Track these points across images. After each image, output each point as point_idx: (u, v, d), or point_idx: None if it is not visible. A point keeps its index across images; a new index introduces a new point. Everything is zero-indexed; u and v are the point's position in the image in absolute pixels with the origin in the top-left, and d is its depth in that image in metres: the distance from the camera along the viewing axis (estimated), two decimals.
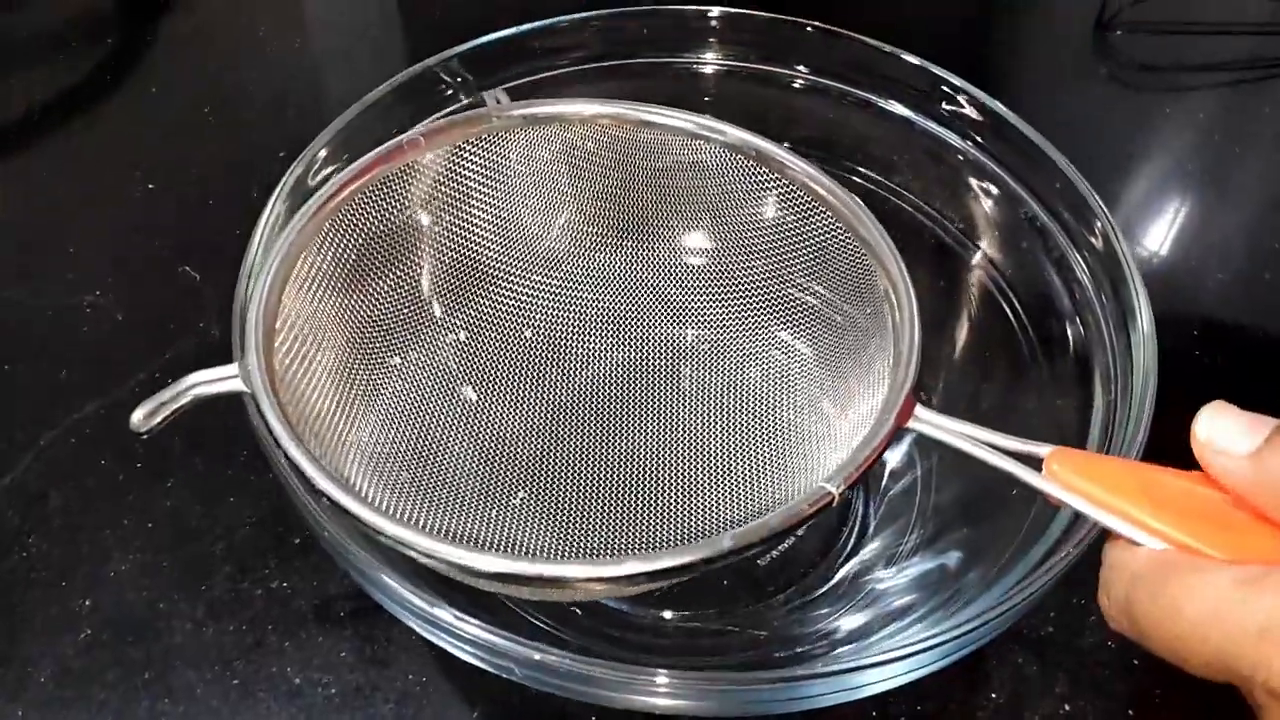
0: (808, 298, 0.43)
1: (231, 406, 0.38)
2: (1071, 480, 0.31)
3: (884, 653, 0.34)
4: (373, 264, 0.42)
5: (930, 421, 0.35)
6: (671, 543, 0.38)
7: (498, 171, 0.43)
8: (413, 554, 0.33)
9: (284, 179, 0.42)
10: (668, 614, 0.46)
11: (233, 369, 0.35)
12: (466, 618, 0.33)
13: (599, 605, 0.45)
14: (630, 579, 0.32)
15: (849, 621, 0.43)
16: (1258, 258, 0.62)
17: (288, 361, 0.37)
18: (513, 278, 0.45)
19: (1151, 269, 0.61)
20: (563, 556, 0.37)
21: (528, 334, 0.45)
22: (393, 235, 0.42)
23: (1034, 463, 0.32)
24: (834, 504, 0.33)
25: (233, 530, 0.48)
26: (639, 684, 0.33)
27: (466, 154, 0.43)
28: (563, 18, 0.47)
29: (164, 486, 0.50)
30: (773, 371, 0.44)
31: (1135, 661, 0.45)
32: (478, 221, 0.44)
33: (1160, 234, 0.63)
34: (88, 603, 0.46)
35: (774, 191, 0.42)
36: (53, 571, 0.47)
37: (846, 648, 0.41)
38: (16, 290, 0.58)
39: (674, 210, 0.45)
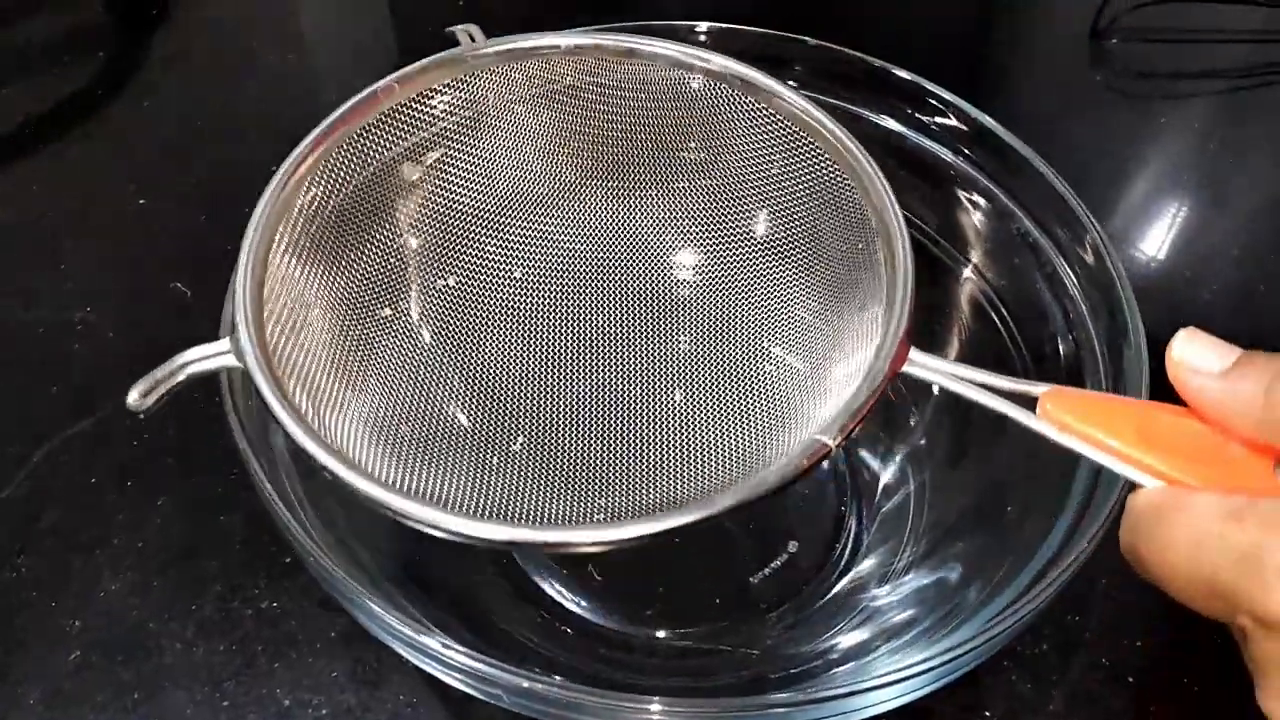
0: (799, 237, 0.42)
1: (223, 424, 0.38)
2: (1065, 420, 0.31)
3: (878, 677, 0.34)
4: (355, 220, 0.41)
5: (925, 365, 0.34)
6: (667, 497, 0.37)
7: (476, 114, 0.42)
8: (414, 525, 0.32)
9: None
10: (660, 633, 0.45)
11: (225, 344, 0.35)
12: (453, 644, 0.33)
13: (590, 624, 0.45)
14: (628, 540, 0.31)
15: (843, 640, 0.43)
16: (1253, 270, 0.62)
17: (278, 331, 0.37)
18: (497, 223, 0.44)
19: (1146, 280, 0.61)
20: (560, 511, 0.36)
21: (516, 274, 0.44)
22: (374, 189, 0.41)
23: (1029, 403, 0.32)
24: (831, 454, 0.33)
25: (223, 549, 0.48)
26: (631, 712, 0.32)
27: (443, 97, 0.41)
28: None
29: (155, 505, 0.50)
30: (766, 319, 0.43)
31: (1130, 679, 0.45)
32: (459, 167, 0.43)
33: (1155, 244, 0.63)
34: (78, 623, 0.46)
35: (762, 123, 0.41)
36: (44, 591, 0.47)
37: (841, 669, 0.41)
38: (8, 306, 0.58)
39: (661, 147, 0.43)
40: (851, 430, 0.33)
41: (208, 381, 0.39)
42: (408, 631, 0.33)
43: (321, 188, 0.40)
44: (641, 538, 0.31)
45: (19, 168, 0.65)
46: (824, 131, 0.39)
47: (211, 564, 0.48)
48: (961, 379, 0.33)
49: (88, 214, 0.62)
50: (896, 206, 0.37)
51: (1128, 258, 0.61)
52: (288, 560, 0.48)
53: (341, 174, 0.40)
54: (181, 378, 0.35)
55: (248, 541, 0.48)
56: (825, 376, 0.39)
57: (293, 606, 0.47)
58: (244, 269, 0.36)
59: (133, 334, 0.57)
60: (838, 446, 0.33)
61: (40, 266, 0.59)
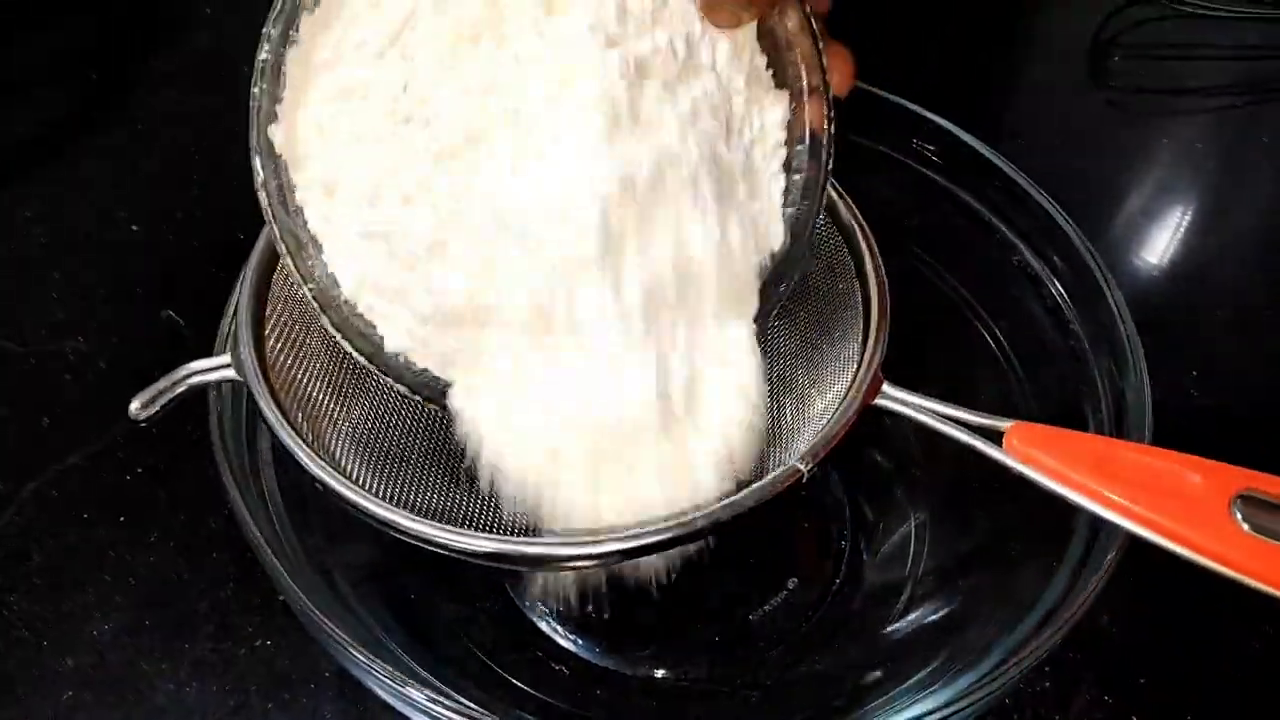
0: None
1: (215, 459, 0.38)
2: (1031, 453, 0.33)
3: None
4: None
5: (896, 398, 0.36)
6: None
7: None
8: (402, 536, 0.33)
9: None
10: (659, 672, 0.45)
11: (225, 359, 0.36)
12: (438, 697, 0.32)
13: (587, 663, 0.44)
14: (608, 556, 0.34)
15: (844, 682, 0.43)
16: (1257, 289, 0.62)
17: (279, 347, 0.38)
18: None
19: (1147, 300, 0.60)
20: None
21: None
22: None
23: (996, 437, 0.34)
24: (804, 480, 0.34)
25: (216, 587, 0.48)
26: None
27: None
28: None
29: (147, 541, 0.49)
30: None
31: (1134, 717, 0.44)
32: None
33: (1157, 262, 0.62)
34: (69, 662, 0.46)
35: None
36: (34, 631, 0.46)
37: (843, 715, 0.40)
38: None
39: None
40: (823, 457, 0.35)
41: (200, 417, 0.39)
42: (394, 684, 0.33)
43: None
44: (617, 554, 0.33)
45: (7, 195, 0.64)
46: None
47: (204, 603, 0.47)
48: (931, 412, 0.35)
49: (78, 242, 0.62)
50: (876, 251, 0.39)
51: (1130, 277, 0.61)
52: (280, 598, 0.47)
53: None
54: (183, 389, 0.36)
55: (240, 579, 0.48)
56: (807, 407, 0.40)
57: (286, 645, 0.46)
58: (247, 285, 0.38)
59: (124, 364, 0.56)
60: (809, 472, 0.34)
61: (30, 296, 0.59)
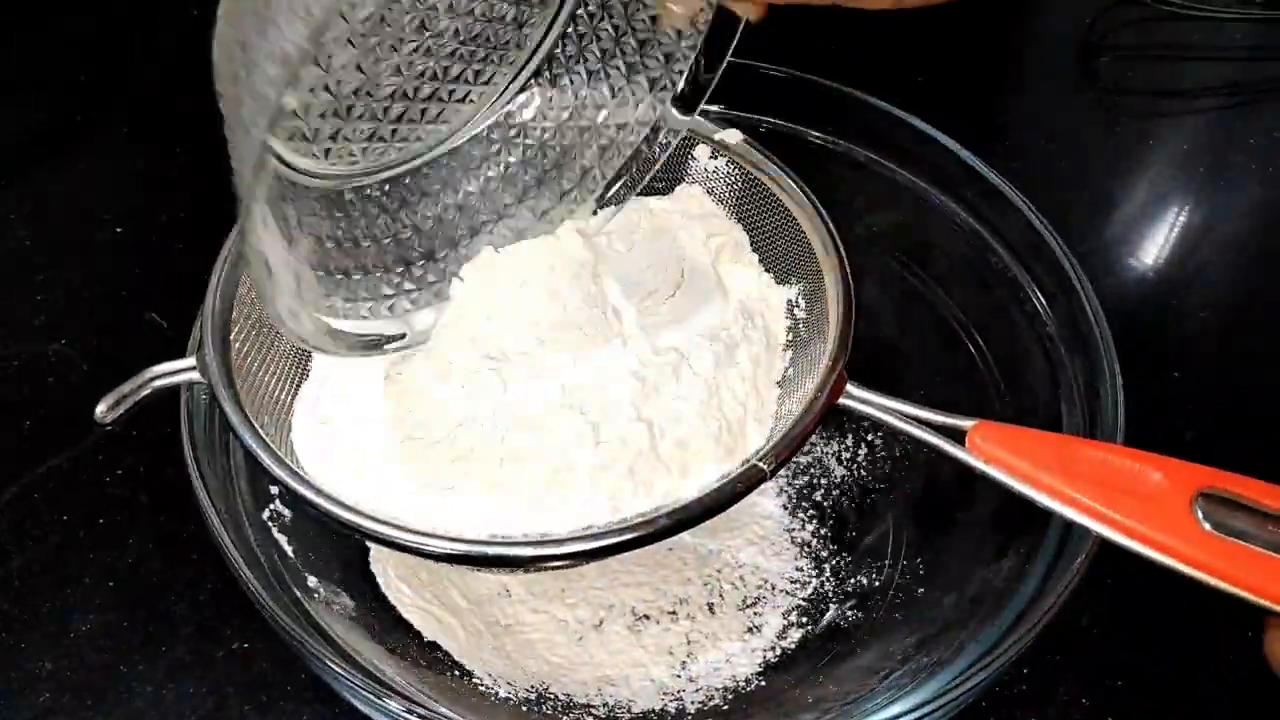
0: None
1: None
2: (993, 452, 0.33)
3: None
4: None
5: (860, 398, 0.36)
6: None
7: None
8: (367, 539, 0.34)
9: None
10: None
11: (190, 361, 0.37)
12: (416, 708, 0.32)
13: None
14: (572, 556, 0.34)
15: (820, 686, 0.42)
16: (1242, 293, 0.62)
17: (244, 349, 0.38)
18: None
19: (1131, 302, 0.60)
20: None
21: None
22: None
23: (960, 436, 0.34)
24: (766, 479, 0.35)
25: (195, 590, 0.48)
26: None
27: None
28: None
29: (126, 543, 0.49)
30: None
31: (1110, 719, 0.44)
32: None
33: (1143, 266, 0.62)
34: (48, 665, 0.46)
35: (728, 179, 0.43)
36: (12, 632, 0.46)
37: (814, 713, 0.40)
38: None
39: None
40: (787, 458, 0.35)
41: (178, 417, 0.39)
42: (370, 695, 0.33)
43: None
44: (583, 554, 0.34)
45: None
46: (771, 185, 0.42)
47: (182, 605, 0.47)
48: (895, 412, 0.35)
49: (62, 245, 0.62)
50: (843, 252, 0.40)
51: (1115, 278, 0.61)
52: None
53: None
54: (147, 391, 0.36)
55: (219, 581, 0.48)
56: (774, 409, 0.40)
57: (265, 647, 0.46)
58: (212, 291, 0.38)
59: (107, 366, 0.56)
60: (772, 473, 0.35)
61: (12, 299, 0.59)
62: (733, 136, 0.43)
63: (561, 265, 0.39)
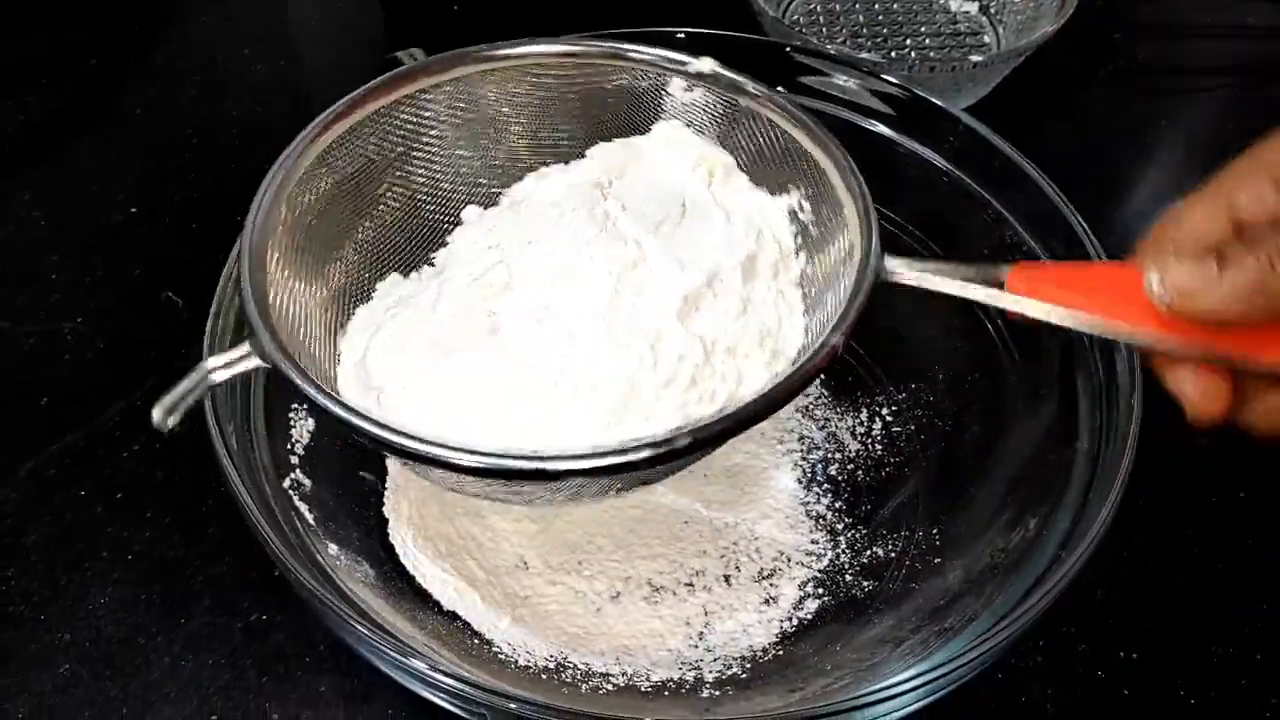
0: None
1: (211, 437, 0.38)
2: (1033, 286, 0.35)
3: (867, 694, 0.34)
4: (341, 221, 0.42)
5: (898, 272, 0.37)
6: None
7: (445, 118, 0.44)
8: (469, 475, 0.34)
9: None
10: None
11: (244, 349, 0.35)
12: (440, 665, 0.32)
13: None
14: (680, 452, 0.34)
15: (835, 653, 0.43)
16: None
17: (288, 326, 0.37)
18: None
19: None
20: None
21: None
22: (354, 191, 0.42)
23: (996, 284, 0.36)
24: (839, 354, 0.36)
25: (212, 563, 0.48)
26: None
27: (402, 111, 0.43)
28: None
29: (143, 518, 0.49)
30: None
31: (1126, 692, 0.44)
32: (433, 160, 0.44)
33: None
34: (66, 637, 0.46)
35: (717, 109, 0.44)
36: (31, 606, 0.47)
37: (827, 681, 0.41)
38: None
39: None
40: (852, 333, 0.36)
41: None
42: (395, 655, 0.33)
43: (306, 196, 0.40)
44: (688, 448, 0.34)
45: (7, 179, 0.65)
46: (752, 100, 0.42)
47: (200, 578, 0.47)
48: (935, 271, 0.37)
49: (76, 225, 0.62)
50: (837, 142, 0.40)
51: (1125, 253, 0.60)
52: (276, 574, 0.47)
53: (320, 184, 0.41)
54: (203, 389, 0.34)
55: (236, 555, 0.48)
56: (802, 308, 0.41)
57: (282, 620, 0.46)
58: (245, 274, 0.36)
59: (122, 344, 0.56)
60: (845, 341, 0.36)
61: (27, 279, 0.59)
62: (706, 65, 0.43)
63: (575, 214, 0.40)
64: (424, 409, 0.36)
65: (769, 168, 0.43)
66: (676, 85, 0.44)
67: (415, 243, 0.44)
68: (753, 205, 0.42)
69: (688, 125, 0.44)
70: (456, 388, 0.37)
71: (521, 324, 0.38)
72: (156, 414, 0.33)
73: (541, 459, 0.33)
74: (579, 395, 0.36)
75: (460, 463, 0.32)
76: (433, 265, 0.44)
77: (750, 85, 0.42)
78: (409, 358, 0.38)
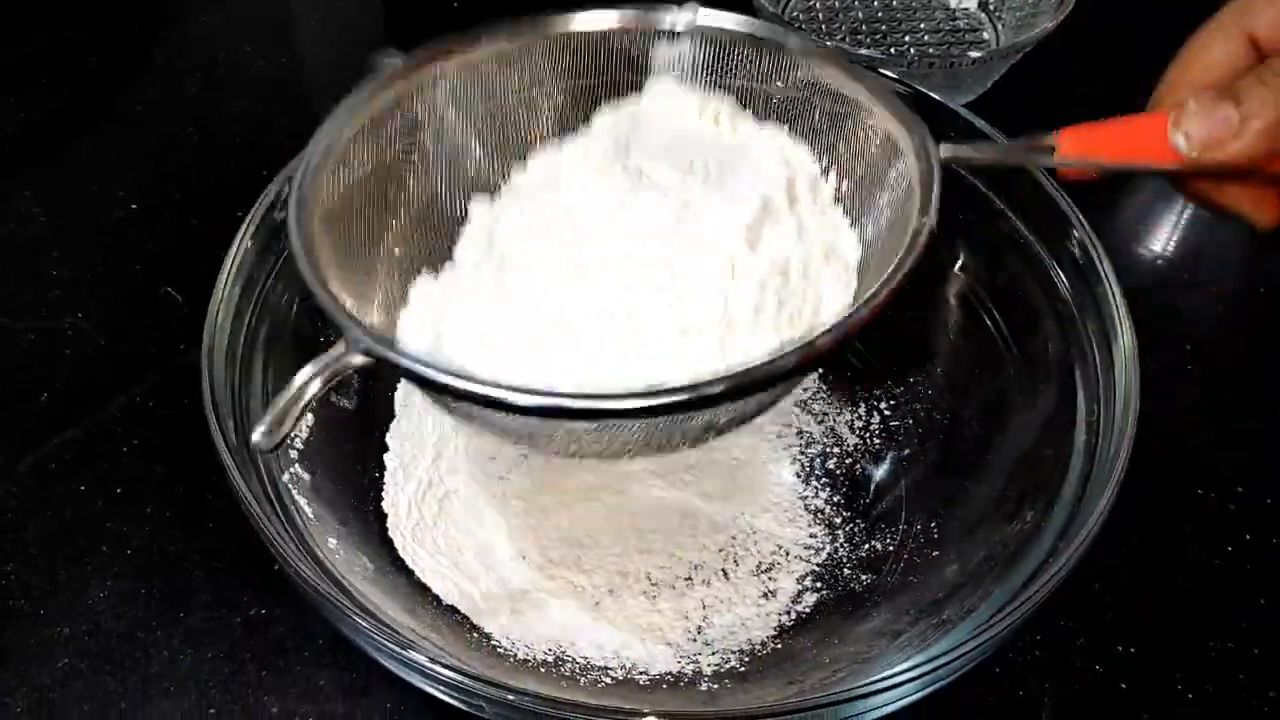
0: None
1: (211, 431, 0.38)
2: (1087, 149, 0.37)
3: (864, 685, 0.34)
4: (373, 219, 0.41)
5: (962, 152, 0.38)
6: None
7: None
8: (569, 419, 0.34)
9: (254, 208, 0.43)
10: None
11: (339, 349, 0.32)
12: (439, 658, 0.32)
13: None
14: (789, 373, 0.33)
15: (831, 646, 0.43)
16: (1252, 270, 0.62)
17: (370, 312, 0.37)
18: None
19: (1146, 282, 0.60)
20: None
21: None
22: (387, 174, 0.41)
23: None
24: (933, 229, 0.35)
25: (211, 558, 0.48)
26: None
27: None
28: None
29: (143, 513, 0.49)
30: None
31: (1123, 685, 0.45)
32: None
33: (1156, 245, 0.62)
34: (65, 631, 0.46)
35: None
36: (31, 600, 0.47)
37: (823, 674, 0.41)
38: None
39: None
40: (937, 208, 0.35)
41: (193, 389, 0.40)
42: (394, 647, 0.33)
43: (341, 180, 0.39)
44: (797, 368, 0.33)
45: (8, 176, 0.65)
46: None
47: (199, 572, 0.48)
48: (991, 146, 0.40)
49: (77, 224, 0.62)
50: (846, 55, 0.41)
51: (1129, 257, 0.61)
52: (276, 567, 0.47)
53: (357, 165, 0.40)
54: (305, 400, 0.32)
55: (235, 549, 0.48)
56: (844, 223, 0.41)
57: (281, 614, 0.46)
58: (313, 277, 0.34)
59: (122, 340, 0.56)
60: (935, 221, 0.35)
61: (28, 276, 0.59)
62: (690, 11, 0.42)
63: (611, 174, 0.40)
64: (525, 364, 0.35)
65: (776, 100, 0.42)
66: (662, 42, 0.43)
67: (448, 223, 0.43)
68: (767, 137, 0.42)
69: (679, 77, 0.43)
70: (553, 338, 0.36)
71: (603, 272, 0.37)
72: (256, 437, 0.31)
73: (695, 387, 0.31)
74: (687, 335, 0.35)
75: (621, 408, 0.32)
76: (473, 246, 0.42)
77: (736, 20, 0.42)
78: (496, 326, 0.37)
